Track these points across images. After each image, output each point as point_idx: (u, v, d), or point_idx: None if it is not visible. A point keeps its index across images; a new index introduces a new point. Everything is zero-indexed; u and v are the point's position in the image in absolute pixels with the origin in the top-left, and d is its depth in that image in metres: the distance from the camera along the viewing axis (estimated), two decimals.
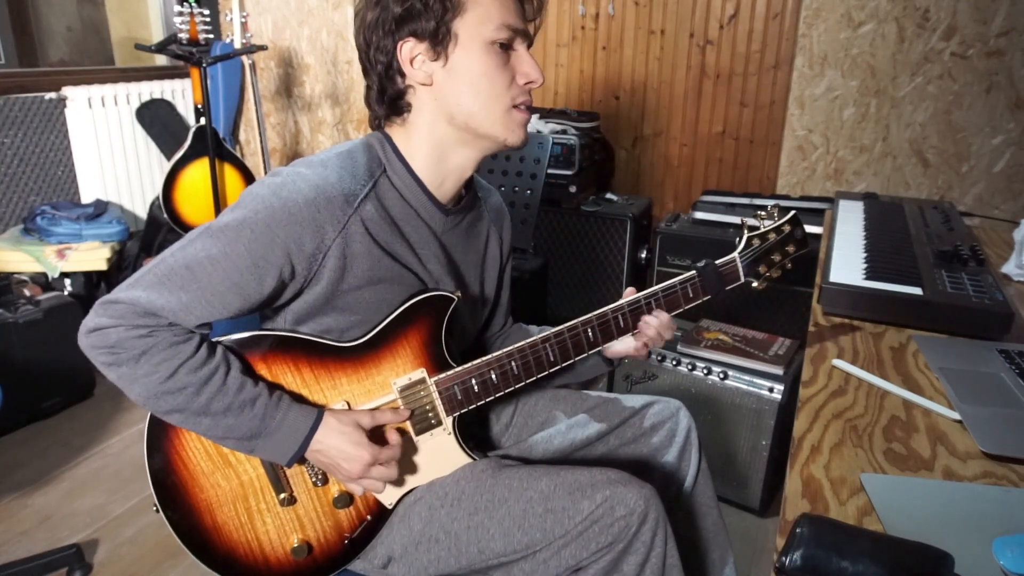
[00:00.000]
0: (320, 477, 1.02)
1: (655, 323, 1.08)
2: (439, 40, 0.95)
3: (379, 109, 1.02)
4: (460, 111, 0.99)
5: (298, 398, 0.99)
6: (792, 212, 1.12)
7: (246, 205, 0.92)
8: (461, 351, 1.11)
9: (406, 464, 1.06)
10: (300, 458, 0.97)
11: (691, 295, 1.07)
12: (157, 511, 1.00)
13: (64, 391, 2.39)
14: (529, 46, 1.01)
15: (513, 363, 1.05)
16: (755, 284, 1.11)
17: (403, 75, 0.98)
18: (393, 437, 1.01)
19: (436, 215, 1.05)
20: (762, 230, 1.10)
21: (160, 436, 0.99)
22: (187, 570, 1.73)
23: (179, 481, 0.99)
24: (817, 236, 2.21)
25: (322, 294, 0.98)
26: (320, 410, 0.97)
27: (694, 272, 1.07)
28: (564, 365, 1.08)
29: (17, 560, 1.67)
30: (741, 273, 1.09)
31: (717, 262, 1.08)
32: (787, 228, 1.11)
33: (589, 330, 1.06)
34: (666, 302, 1.07)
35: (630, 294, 1.09)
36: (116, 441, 2.26)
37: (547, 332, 1.06)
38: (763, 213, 1.12)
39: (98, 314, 0.90)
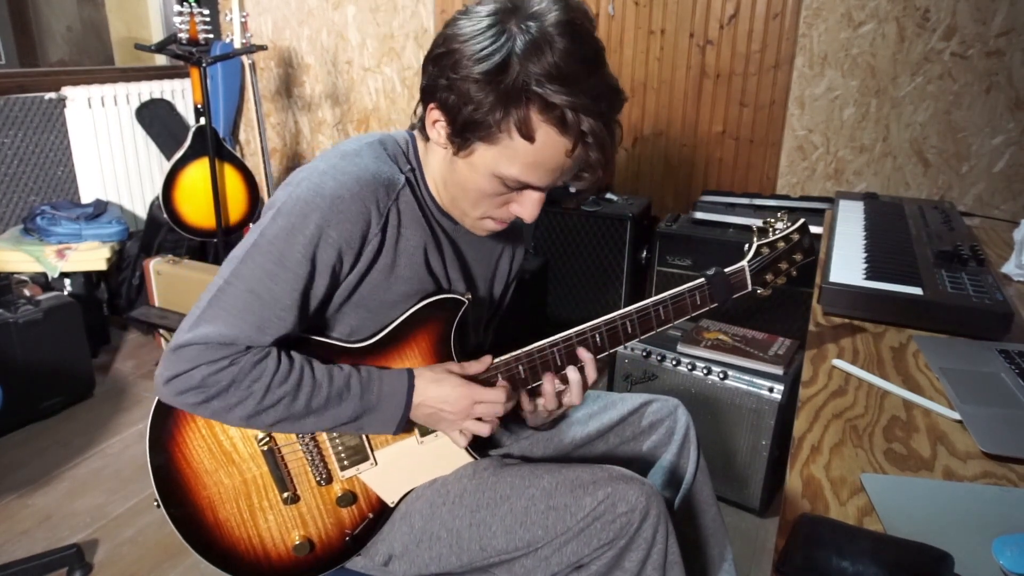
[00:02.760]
0: (324, 476, 1.03)
1: (575, 379, 1.04)
2: (457, 140, 0.90)
3: (419, 109, 0.98)
4: (448, 188, 0.98)
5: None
6: (802, 221, 1.11)
7: (289, 211, 0.89)
8: (465, 355, 1.11)
9: (409, 463, 1.06)
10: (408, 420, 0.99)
11: (699, 302, 1.06)
12: (158, 506, 1.00)
13: (64, 391, 2.39)
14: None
15: (520, 367, 1.04)
16: (760, 291, 1.10)
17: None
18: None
19: (447, 220, 1.04)
20: (771, 238, 1.09)
21: (163, 433, 0.99)
22: (187, 570, 1.73)
23: (181, 478, 0.99)
24: (817, 236, 2.21)
25: (346, 288, 0.97)
26: (409, 369, 0.99)
27: (703, 280, 1.05)
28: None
29: (17, 560, 1.67)
30: (749, 282, 1.08)
31: (726, 270, 1.07)
32: (796, 237, 1.10)
33: (597, 336, 1.05)
34: (674, 308, 1.06)
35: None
36: (116, 441, 2.26)
37: (554, 337, 1.05)
38: (772, 220, 1.11)
39: (172, 362, 0.89)
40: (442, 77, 0.87)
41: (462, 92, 0.85)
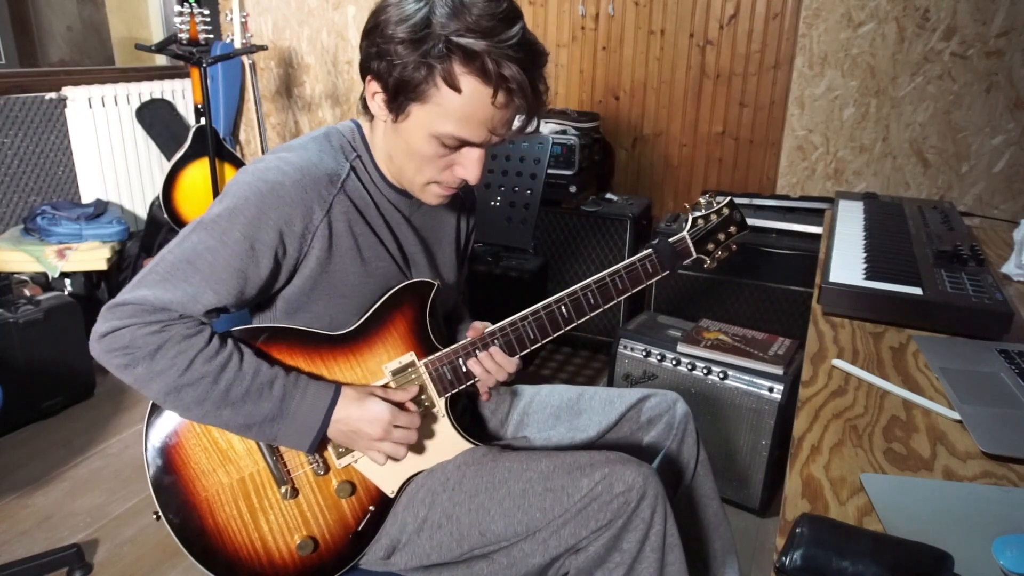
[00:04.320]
0: (321, 465, 1.03)
1: (489, 364, 1.09)
2: (394, 105, 0.95)
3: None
4: (395, 159, 1.02)
5: (313, 377, 1.01)
6: (728, 198, 1.23)
7: (234, 194, 0.95)
8: (446, 334, 1.14)
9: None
10: (323, 437, 0.99)
11: (650, 270, 1.14)
12: (158, 518, 0.99)
13: (64, 391, 2.39)
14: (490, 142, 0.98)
15: (496, 342, 1.09)
16: (707, 263, 1.20)
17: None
18: (410, 406, 1.04)
19: (400, 200, 1.09)
20: (704, 212, 1.20)
21: (159, 436, 0.99)
22: (187, 570, 1.73)
23: (179, 481, 0.99)
24: (817, 236, 2.21)
25: (310, 276, 1.00)
26: (337, 385, 1.00)
27: (650, 250, 1.13)
28: (542, 344, 1.12)
29: (17, 560, 1.67)
30: (692, 248, 1.17)
31: (670, 239, 1.16)
32: (726, 211, 1.20)
33: (563, 307, 1.10)
34: (629, 278, 1.13)
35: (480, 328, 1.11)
36: (116, 441, 2.26)
37: (524, 312, 1.10)
38: (703, 200, 1.22)
39: (106, 318, 0.92)
40: (372, 47, 0.93)
41: (389, 54, 0.90)
